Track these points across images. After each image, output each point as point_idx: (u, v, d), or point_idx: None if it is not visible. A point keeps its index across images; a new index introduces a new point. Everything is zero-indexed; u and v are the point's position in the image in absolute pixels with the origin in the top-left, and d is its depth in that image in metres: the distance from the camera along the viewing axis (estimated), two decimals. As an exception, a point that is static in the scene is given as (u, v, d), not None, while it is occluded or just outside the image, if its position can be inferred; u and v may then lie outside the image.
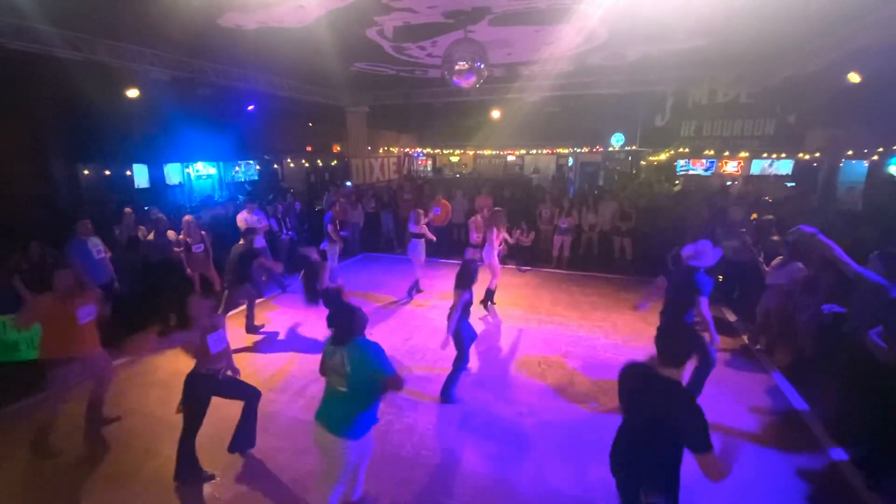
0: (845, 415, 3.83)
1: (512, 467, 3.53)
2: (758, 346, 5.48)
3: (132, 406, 4.41)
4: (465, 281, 4.25)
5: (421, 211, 7.33)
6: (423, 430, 3.96)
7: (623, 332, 5.96)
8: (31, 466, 3.61)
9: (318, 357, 4.91)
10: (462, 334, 4.29)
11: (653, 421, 2.16)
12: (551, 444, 3.79)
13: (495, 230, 6.51)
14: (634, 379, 2.37)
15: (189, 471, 3.37)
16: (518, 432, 3.97)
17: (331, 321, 2.76)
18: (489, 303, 6.57)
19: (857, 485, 3.32)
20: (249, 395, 3.59)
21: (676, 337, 2.28)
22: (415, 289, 7.32)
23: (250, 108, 11.07)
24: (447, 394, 4.39)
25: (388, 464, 3.57)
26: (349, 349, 2.65)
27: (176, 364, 5.20)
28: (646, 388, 2.26)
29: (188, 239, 6.57)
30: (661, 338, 2.27)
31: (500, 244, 6.65)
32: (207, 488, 3.35)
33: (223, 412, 4.25)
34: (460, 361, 4.38)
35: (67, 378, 3.65)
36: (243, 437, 3.61)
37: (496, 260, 6.55)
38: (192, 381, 3.31)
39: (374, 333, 5.81)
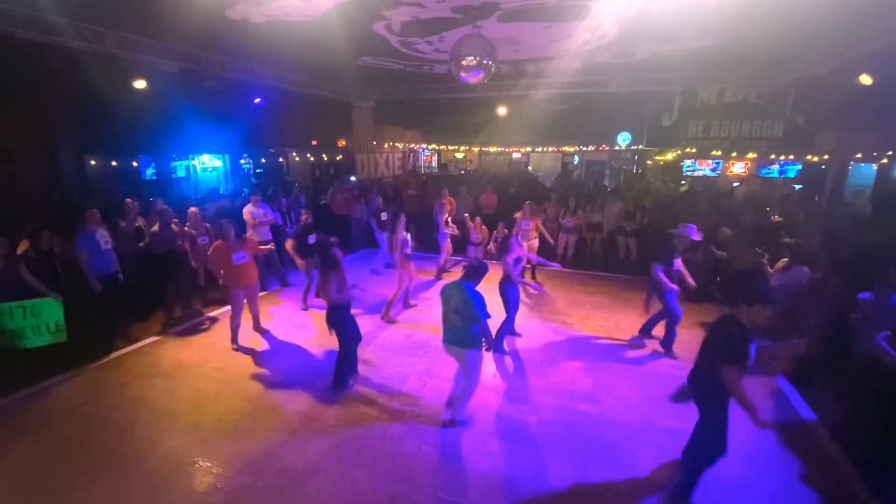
0: (849, 419, 3.81)
1: (512, 464, 3.54)
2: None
3: (135, 396, 4.44)
4: (505, 251, 5.28)
5: (444, 202, 8.12)
6: (425, 426, 3.97)
7: (626, 331, 5.94)
8: (33, 453, 3.65)
9: (317, 352, 4.93)
10: (509, 295, 5.29)
11: (712, 345, 2.97)
12: (552, 442, 3.80)
13: (531, 221, 7.31)
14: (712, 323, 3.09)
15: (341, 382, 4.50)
16: (519, 430, 3.97)
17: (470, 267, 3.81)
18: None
19: (860, 489, 3.31)
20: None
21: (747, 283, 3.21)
22: (442, 269, 8.19)
23: (257, 101, 11.07)
24: (498, 344, 5.27)
25: (389, 459, 3.58)
26: (461, 291, 3.65)
27: (178, 355, 5.26)
28: (715, 325, 3.02)
29: (193, 231, 6.60)
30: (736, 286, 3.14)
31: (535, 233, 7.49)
32: (209, 479, 3.38)
33: (228, 404, 4.29)
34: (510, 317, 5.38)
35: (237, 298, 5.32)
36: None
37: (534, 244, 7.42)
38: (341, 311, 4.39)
39: (377, 328, 5.85)
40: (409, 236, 6.32)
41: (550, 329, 6.05)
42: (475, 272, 3.76)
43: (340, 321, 4.41)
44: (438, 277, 8.08)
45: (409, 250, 6.27)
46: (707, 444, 2.97)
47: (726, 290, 7.13)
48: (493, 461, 3.57)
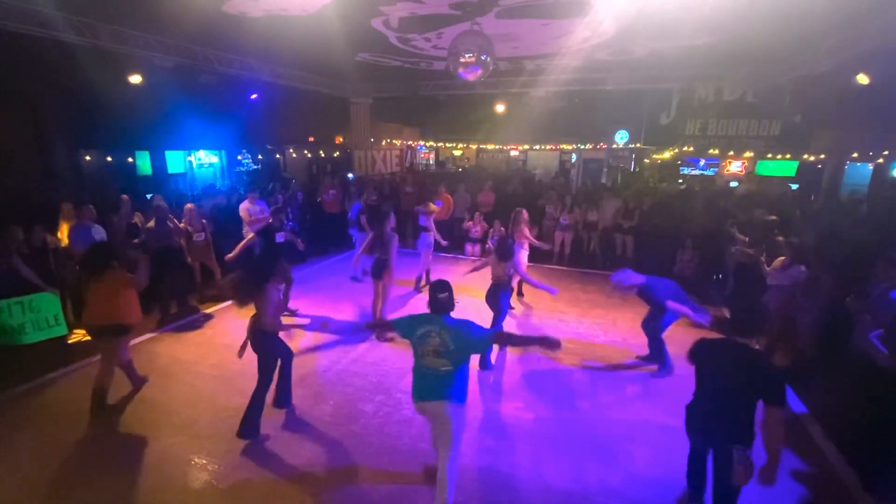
0: (843, 417, 3.84)
1: (508, 462, 3.54)
2: (756, 347, 5.46)
3: (130, 393, 4.41)
4: (505, 254, 4.87)
5: (430, 204, 7.54)
6: (421, 424, 3.95)
7: (622, 329, 5.96)
8: (30, 449, 3.62)
9: (314, 350, 4.90)
10: (501, 303, 4.96)
11: (741, 383, 2.48)
12: (548, 440, 3.80)
13: (524, 228, 6.67)
14: (715, 351, 2.68)
15: (254, 427, 3.69)
16: (515, 427, 3.98)
17: (434, 302, 2.90)
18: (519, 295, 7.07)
19: (853, 486, 3.33)
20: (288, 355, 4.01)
21: (753, 313, 2.72)
22: (421, 280, 7.42)
23: (253, 96, 11.00)
24: (485, 362, 4.86)
25: (385, 456, 3.58)
26: (449, 328, 2.78)
27: (174, 351, 5.24)
28: (730, 357, 2.58)
29: (189, 227, 6.57)
30: (740, 313, 2.72)
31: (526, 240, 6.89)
32: (205, 477, 3.37)
33: (224, 401, 4.28)
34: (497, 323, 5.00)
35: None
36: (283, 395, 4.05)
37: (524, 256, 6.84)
38: (272, 336, 3.72)
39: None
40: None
41: (547, 327, 6.06)
42: (444, 294, 2.88)
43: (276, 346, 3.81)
44: (418, 290, 7.30)
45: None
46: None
47: (723, 287, 7.16)
48: (490, 458, 3.58)
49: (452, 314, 2.92)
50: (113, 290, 3.90)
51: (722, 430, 2.56)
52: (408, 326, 2.92)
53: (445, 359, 2.77)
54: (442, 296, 2.86)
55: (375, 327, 2.93)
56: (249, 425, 3.67)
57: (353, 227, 7.94)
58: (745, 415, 2.49)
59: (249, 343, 3.75)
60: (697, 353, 2.77)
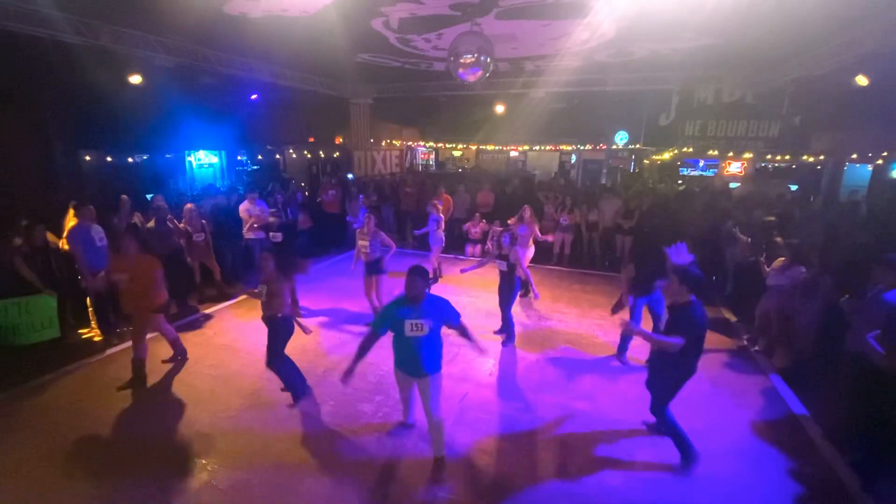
0: (842, 417, 3.84)
1: (509, 462, 3.54)
2: (756, 348, 5.48)
3: (130, 393, 4.41)
4: (517, 243, 5.39)
5: (435, 202, 7.86)
6: (421, 424, 3.97)
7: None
8: (29, 449, 3.62)
9: (313, 350, 4.90)
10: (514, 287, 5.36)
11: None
12: (549, 440, 3.81)
13: (529, 227, 6.88)
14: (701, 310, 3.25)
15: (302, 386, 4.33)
16: (516, 428, 3.98)
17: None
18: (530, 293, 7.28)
19: (852, 487, 3.33)
20: None
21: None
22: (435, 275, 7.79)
23: (253, 97, 11.00)
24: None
25: (385, 456, 3.59)
26: (433, 308, 3.29)
27: (172, 352, 5.23)
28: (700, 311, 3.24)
29: (189, 227, 6.57)
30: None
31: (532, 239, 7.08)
32: (204, 476, 3.37)
33: (223, 401, 4.28)
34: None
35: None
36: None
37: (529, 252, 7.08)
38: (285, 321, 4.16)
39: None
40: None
41: (547, 327, 6.06)
42: (423, 279, 3.21)
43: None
44: (435, 281, 7.71)
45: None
46: None
47: (723, 288, 7.15)
48: (490, 459, 3.58)
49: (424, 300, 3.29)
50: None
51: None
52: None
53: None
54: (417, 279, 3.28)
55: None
56: (297, 388, 4.26)
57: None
58: None
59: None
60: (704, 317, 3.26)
